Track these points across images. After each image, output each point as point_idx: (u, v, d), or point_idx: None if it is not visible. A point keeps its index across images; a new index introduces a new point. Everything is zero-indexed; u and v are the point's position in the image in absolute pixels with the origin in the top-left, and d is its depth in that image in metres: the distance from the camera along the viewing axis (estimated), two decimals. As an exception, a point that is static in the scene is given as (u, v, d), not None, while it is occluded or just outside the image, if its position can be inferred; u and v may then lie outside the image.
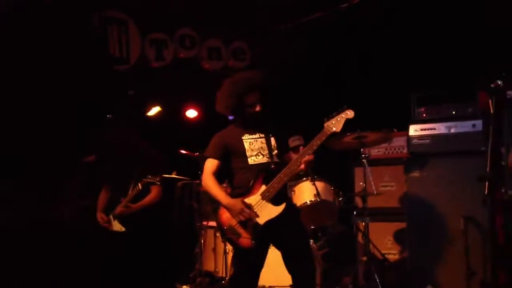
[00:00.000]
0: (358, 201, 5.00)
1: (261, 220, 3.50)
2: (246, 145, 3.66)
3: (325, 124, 3.56)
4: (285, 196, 3.68)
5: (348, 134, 4.61)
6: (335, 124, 3.54)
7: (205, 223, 5.43)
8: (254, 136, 3.69)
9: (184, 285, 5.35)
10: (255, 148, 3.65)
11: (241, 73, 3.82)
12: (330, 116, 3.59)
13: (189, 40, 6.44)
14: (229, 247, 4.91)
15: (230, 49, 6.75)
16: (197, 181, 5.33)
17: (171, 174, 4.98)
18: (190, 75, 6.56)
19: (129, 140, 4.56)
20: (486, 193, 3.05)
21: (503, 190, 4.16)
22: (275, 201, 3.54)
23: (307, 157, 3.51)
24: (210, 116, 6.88)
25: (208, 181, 3.69)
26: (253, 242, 3.46)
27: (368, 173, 4.64)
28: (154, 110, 6.09)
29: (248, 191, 3.58)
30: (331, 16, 5.87)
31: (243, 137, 3.68)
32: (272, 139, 3.71)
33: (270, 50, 6.73)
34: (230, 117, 4.20)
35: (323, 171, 4.93)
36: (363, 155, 4.70)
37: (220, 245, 5.19)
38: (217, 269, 5.27)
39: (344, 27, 5.79)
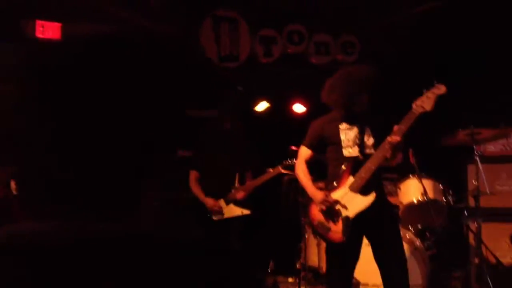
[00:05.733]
0: (471, 200, 4.73)
1: (351, 212, 3.36)
2: (342, 135, 3.53)
3: (413, 104, 3.30)
4: (375, 186, 3.43)
5: (460, 130, 4.36)
6: (424, 103, 3.26)
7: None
8: (350, 127, 3.54)
9: (290, 277, 5.44)
10: (350, 138, 3.51)
11: (359, 66, 3.61)
12: (418, 96, 3.31)
13: (298, 35, 6.47)
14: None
15: (339, 43, 6.66)
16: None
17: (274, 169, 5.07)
18: (297, 70, 6.58)
19: (237, 133, 4.80)
20: None
21: None
22: (364, 192, 3.37)
23: (393, 138, 3.28)
24: (317, 110, 6.88)
25: (298, 169, 3.73)
26: (344, 237, 3.33)
27: (481, 171, 4.36)
28: (262, 106, 6.17)
29: (337, 184, 3.46)
30: (442, 5, 5.58)
31: (340, 126, 3.55)
32: (368, 130, 3.52)
33: (378, 43, 6.55)
34: None
35: (433, 168, 4.72)
36: (477, 152, 4.43)
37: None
38: (321, 265, 5.25)
39: (455, 17, 5.47)
